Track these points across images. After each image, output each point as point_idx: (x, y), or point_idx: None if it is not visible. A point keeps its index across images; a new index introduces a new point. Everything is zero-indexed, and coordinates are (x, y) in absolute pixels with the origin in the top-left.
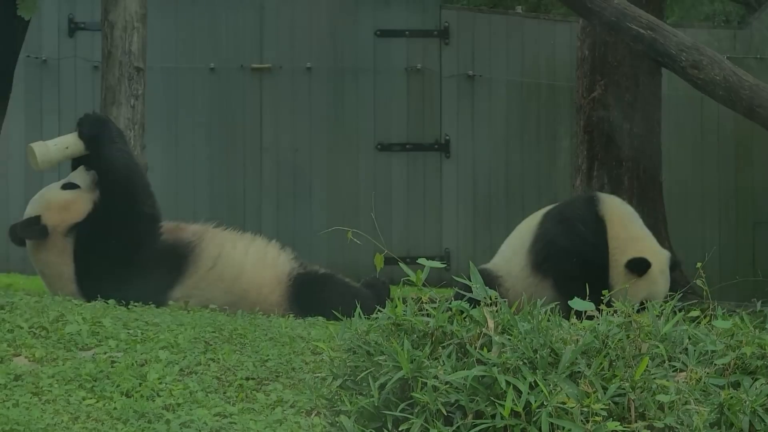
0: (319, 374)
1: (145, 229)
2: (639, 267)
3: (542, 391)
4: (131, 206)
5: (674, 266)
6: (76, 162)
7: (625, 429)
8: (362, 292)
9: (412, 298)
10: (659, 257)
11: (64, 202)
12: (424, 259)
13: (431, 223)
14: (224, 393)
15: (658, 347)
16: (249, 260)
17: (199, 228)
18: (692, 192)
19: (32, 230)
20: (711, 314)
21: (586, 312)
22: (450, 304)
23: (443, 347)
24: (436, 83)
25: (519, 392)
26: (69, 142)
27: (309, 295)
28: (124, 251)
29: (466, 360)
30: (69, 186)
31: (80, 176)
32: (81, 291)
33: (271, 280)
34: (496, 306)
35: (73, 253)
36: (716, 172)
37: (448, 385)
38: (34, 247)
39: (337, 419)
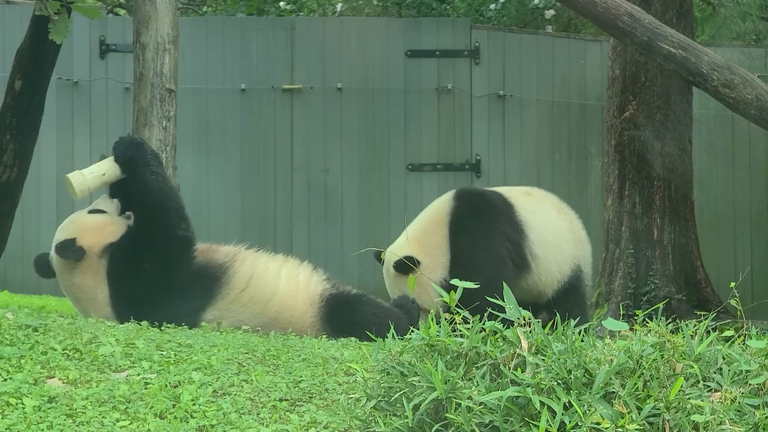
0: (352, 395)
1: (178, 252)
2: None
3: (576, 411)
4: (164, 229)
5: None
6: (114, 187)
7: None
8: (394, 312)
9: (446, 319)
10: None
11: (98, 224)
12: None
13: None
14: (258, 414)
15: (692, 367)
16: (281, 282)
17: (232, 249)
18: (724, 211)
19: (70, 251)
20: (745, 333)
21: (620, 332)
22: (483, 324)
23: (477, 368)
24: (467, 103)
25: (553, 413)
26: (105, 168)
27: (341, 316)
28: (157, 274)
29: (500, 380)
30: (96, 212)
31: (105, 204)
32: (115, 314)
33: (303, 302)
34: (529, 326)
35: (107, 276)
36: (748, 191)
37: (482, 406)
38: (67, 271)
39: None
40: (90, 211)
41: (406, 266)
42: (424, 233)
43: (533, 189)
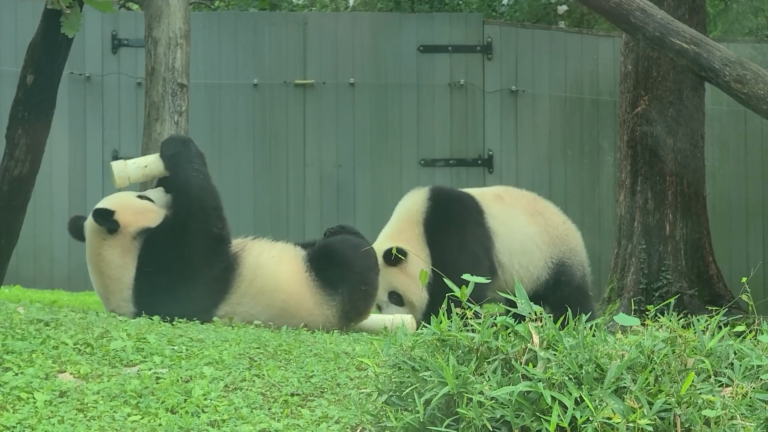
0: (364, 390)
1: (213, 249)
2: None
3: (588, 406)
4: (202, 226)
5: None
6: (160, 182)
7: None
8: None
9: (457, 314)
10: None
11: (140, 207)
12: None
13: None
14: (269, 409)
15: (703, 362)
16: (282, 268)
17: (241, 242)
18: (736, 206)
19: (105, 219)
20: (756, 329)
21: (631, 327)
22: (495, 319)
23: (488, 363)
24: (480, 98)
25: (564, 408)
26: (148, 161)
27: (327, 267)
28: (186, 268)
29: (511, 375)
30: (143, 198)
31: (156, 195)
32: (135, 299)
33: (301, 282)
34: (541, 321)
35: (138, 259)
36: (760, 186)
37: (493, 401)
38: (97, 241)
39: None
40: (138, 196)
41: (393, 256)
42: (399, 231)
43: (507, 191)
